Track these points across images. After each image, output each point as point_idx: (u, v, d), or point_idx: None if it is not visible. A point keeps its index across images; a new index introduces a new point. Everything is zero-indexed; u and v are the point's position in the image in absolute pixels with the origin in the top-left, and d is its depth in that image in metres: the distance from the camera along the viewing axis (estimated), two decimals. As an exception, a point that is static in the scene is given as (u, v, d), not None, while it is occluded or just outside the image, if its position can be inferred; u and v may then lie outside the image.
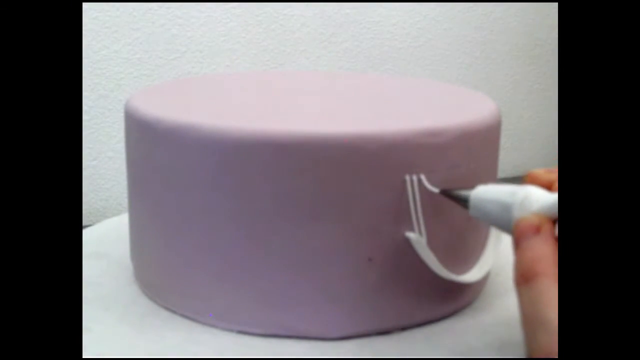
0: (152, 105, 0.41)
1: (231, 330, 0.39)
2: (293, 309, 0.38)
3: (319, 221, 0.36)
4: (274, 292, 0.38)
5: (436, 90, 0.50)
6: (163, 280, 0.41)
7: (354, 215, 0.36)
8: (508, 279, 0.44)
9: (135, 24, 0.73)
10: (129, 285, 0.44)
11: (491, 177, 0.43)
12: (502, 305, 0.43)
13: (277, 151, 0.36)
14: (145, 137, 0.40)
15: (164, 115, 0.39)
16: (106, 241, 0.51)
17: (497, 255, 0.43)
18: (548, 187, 0.32)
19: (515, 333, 0.35)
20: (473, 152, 0.39)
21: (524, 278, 0.28)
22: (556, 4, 0.95)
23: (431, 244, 0.37)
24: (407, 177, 0.37)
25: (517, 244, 0.30)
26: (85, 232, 0.52)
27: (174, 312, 0.41)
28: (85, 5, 0.70)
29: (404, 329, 0.39)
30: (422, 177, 0.37)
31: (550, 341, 0.25)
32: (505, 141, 0.96)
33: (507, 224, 0.32)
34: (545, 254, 0.28)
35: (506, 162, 0.96)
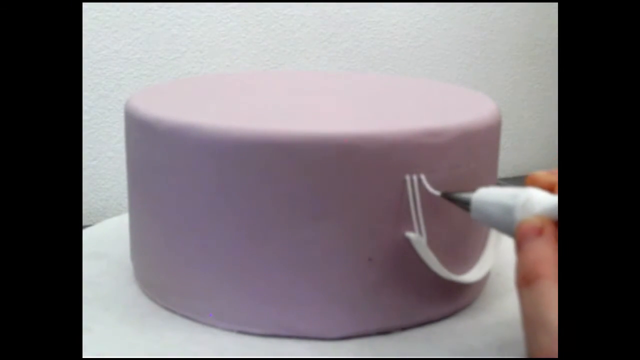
0: (152, 105, 0.41)
1: (231, 330, 0.39)
2: (293, 309, 0.38)
3: (319, 221, 0.36)
4: (274, 292, 0.38)
5: (436, 90, 0.49)
6: (163, 280, 0.41)
7: (354, 215, 0.36)
8: (508, 279, 0.45)
9: (135, 24, 0.73)
10: (129, 285, 0.44)
11: (491, 177, 0.43)
12: (502, 306, 0.43)
13: (277, 151, 0.36)
14: (145, 137, 0.40)
15: (164, 115, 0.39)
16: (106, 241, 0.50)
17: (497, 255, 0.43)
18: (549, 189, 0.32)
19: (515, 333, 0.35)
20: (473, 152, 0.39)
21: (525, 280, 0.28)
22: (556, 4, 0.95)
23: (431, 244, 0.37)
24: (407, 177, 0.37)
25: (519, 246, 0.30)
26: (85, 232, 0.52)
27: (174, 312, 0.41)
28: (85, 5, 0.70)
29: (404, 328, 0.39)
30: (422, 177, 0.37)
31: (551, 342, 0.25)
32: (505, 141, 0.96)
33: (509, 227, 0.32)
34: (547, 256, 0.28)
35: (506, 162, 0.96)
